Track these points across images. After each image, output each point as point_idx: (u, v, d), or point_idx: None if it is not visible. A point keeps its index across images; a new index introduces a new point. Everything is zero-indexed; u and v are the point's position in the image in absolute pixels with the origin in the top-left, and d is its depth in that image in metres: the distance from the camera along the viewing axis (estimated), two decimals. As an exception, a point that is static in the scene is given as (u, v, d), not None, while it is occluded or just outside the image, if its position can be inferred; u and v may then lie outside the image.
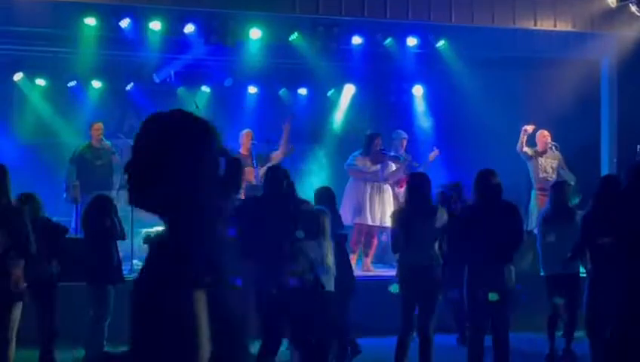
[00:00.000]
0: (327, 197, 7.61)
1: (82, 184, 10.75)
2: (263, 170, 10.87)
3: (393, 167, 10.75)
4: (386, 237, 10.40)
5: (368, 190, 10.46)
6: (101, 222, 7.48)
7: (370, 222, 10.22)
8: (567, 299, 7.75)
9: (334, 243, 6.63)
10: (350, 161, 10.71)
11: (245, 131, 11.27)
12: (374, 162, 10.61)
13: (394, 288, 6.93)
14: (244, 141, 11.15)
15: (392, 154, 10.84)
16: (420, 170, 10.02)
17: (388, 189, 10.73)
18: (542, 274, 8.07)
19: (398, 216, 7.04)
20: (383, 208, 10.49)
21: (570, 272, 7.64)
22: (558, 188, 8.22)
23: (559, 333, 8.04)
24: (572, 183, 9.99)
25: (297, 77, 13.50)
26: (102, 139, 11.37)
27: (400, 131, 11.61)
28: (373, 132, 11.05)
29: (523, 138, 10.85)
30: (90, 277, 7.51)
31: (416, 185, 6.95)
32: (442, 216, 6.86)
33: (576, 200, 9.23)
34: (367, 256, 10.48)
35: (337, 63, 12.49)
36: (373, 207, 10.41)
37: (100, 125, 11.43)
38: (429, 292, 6.78)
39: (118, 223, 7.65)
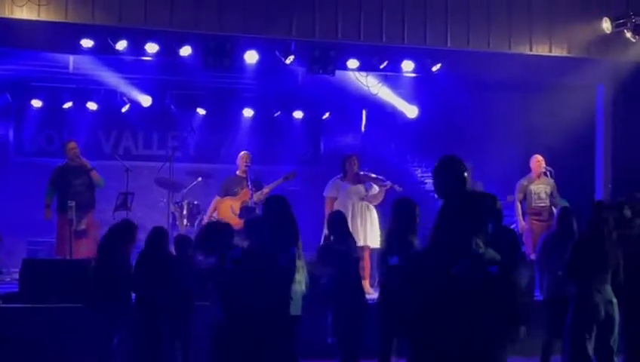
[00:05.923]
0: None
1: (62, 204, 10.54)
2: (257, 194, 10.88)
3: (376, 189, 10.70)
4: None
5: (350, 211, 10.34)
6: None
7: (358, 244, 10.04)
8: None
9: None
10: (325, 193, 10.71)
11: (242, 153, 11.30)
12: (353, 183, 10.59)
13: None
14: (240, 163, 11.19)
15: (375, 176, 10.78)
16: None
17: (372, 209, 10.67)
18: (541, 298, 8.07)
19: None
20: (366, 229, 10.43)
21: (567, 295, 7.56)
22: (564, 212, 8.23)
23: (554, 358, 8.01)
24: None
25: (293, 100, 13.52)
26: (79, 157, 10.87)
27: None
28: (348, 154, 11.04)
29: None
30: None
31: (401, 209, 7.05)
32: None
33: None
34: (363, 278, 10.36)
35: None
36: (355, 227, 10.24)
37: (73, 144, 10.96)
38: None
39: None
